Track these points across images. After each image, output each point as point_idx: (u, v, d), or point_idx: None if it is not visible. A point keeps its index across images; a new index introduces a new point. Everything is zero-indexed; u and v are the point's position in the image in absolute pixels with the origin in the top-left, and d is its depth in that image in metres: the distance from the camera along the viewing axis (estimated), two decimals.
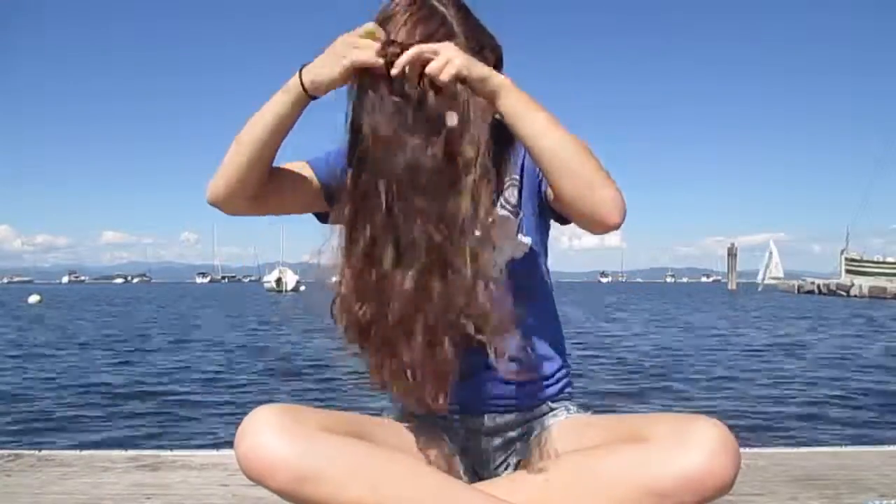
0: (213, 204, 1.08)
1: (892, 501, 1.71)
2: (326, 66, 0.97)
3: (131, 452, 2.31)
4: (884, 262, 53.33)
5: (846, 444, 2.76)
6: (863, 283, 44.67)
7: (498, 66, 1.08)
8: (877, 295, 40.65)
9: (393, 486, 0.91)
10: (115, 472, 2.07)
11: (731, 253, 72.45)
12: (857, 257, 53.88)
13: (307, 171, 1.15)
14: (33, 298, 33.33)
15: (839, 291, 45.35)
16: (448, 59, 0.93)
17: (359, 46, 0.95)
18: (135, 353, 10.44)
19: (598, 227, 0.97)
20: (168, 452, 2.31)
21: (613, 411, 1.14)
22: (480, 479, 1.11)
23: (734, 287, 66.71)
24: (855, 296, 42.40)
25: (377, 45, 0.95)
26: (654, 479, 0.86)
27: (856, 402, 6.31)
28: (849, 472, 2.00)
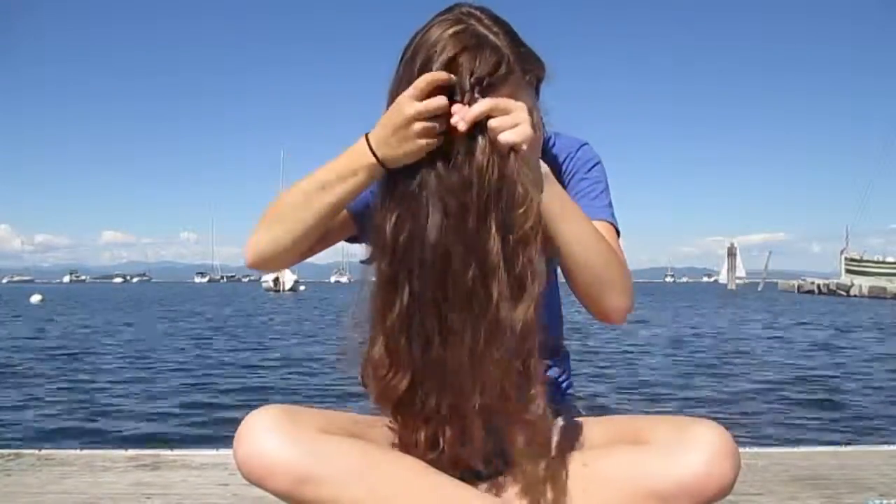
0: (257, 267, 1.04)
1: (892, 501, 1.71)
2: (400, 146, 0.89)
3: (131, 452, 2.31)
4: (884, 262, 53.32)
5: (846, 444, 2.76)
6: (863, 283, 44.66)
7: (538, 86, 1.03)
8: (877, 295, 40.64)
9: (392, 487, 0.90)
10: (115, 471, 2.07)
11: (731, 253, 72.39)
12: (857, 257, 53.88)
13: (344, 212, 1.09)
14: (35, 298, 33.28)
15: (839, 291, 45.34)
16: (516, 122, 0.86)
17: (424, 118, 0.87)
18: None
19: (598, 318, 1.00)
20: (168, 452, 2.32)
21: (615, 413, 1.14)
22: (480, 479, 1.11)
23: (734, 287, 66.63)
24: (855, 295, 42.40)
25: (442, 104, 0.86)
26: (655, 482, 0.85)
27: None
28: (849, 471, 2.00)
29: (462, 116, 0.86)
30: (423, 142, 0.88)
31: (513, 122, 0.86)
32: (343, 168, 0.95)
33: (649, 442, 0.90)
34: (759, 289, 61.94)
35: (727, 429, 0.88)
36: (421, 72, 0.89)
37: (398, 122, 0.88)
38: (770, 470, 2.02)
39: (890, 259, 53.87)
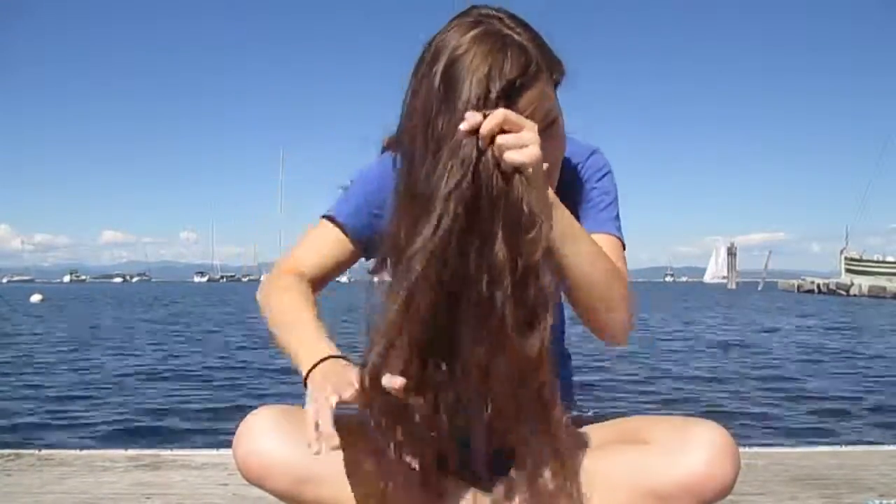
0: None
1: (893, 501, 1.71)
2: (318, 388, 0.87)
3: (131, 452, 2.31)
4: (883, 262, 53.39)
5: (846, 444, 2.76)
6: (862, 283, 44.70)
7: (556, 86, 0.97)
8: (876, 294, 40.66)
9: (392, 487, 0.90)
10: (115, 471, 2.07)
11: (731, 252, 72.46)
12: (857, 257, 53.95)
13: (343, 246, 1.10)
14: (35, 298, 33.29)
15: (839, 291, 45.36)
16: (524, 143, 0.81)
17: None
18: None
19: (600, 338, 0.99)
20: (168, 452, 2.32)
21: (615, 413, 1.14)
22: (479, 479, 1.11)
23: (734, 286, 66.68)
24: (855, 295, 42.41)
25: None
26: (655, 482, 0.85)
27: None
28: (848, 471, 2.00)
29: (471, 123, 0.80)
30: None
31: (520, 142, 0.81)
32: (292, 350, 0.96)
33: (649, 442, 0.90)
34: (759, 288, 61.97)
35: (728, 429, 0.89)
36: (444, 76, 0.84)
37: (336, 383, 0.85)
38: (770, 470, 2.02)
39: (890, 258, 53.95)
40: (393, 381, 0.80)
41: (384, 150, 1.08)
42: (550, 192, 0.88)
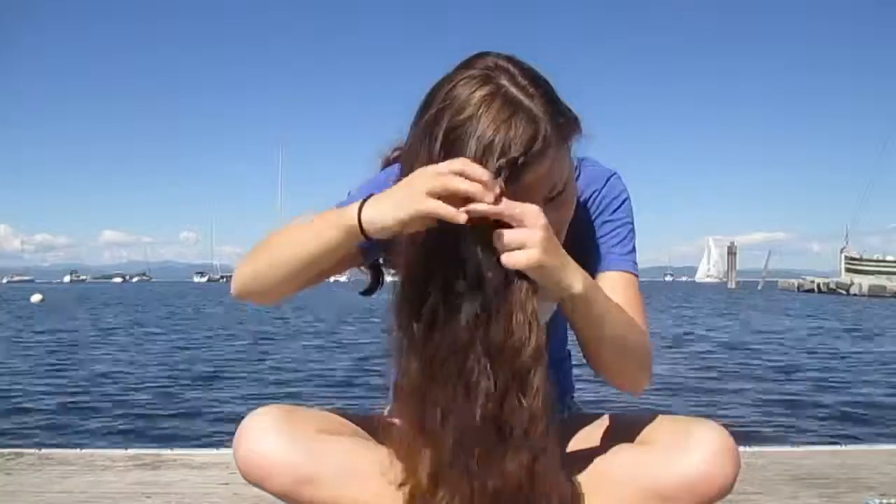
0: (241, 299, 0.99)
1: (892, 500, 1.71)
2: (390, 208, 0.80)
3: (131, 451, 2.31)
4: (883, 261, 53.43)
5: (846, 444, 2.76)
6: (862, 282, 44.74)
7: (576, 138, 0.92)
8: (876, 293, 40.68)
9: (391, 487, 0.90)
10: (115, 470, 2.07)
11: (731, 252, 72.48)
12: (857, 256, 53.97)
13: None
14: (36, 298, 33.36)
15: (839, 290, 45.40)
16: (524, 244, 0.78)
17: (439, 192, 0.76)
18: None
19: (614, 387, 0.97)
20: (168, 451, 2.32)
21: (615, 411, 1.13)
22: None
23: (734, 286, 66.70)
24: (855, 294, 42.43)
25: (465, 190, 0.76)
26: (655, 482, 0.85)
27: None
28: (848, 470, 2.01)
29: (465, 208, 0.76)
30: (416, 208, 0.78)
31: (520, 242, 0.78)
32: (324, 221, 0.88)
33: (650, 442, 0.90)
34: (759, 288, 61.97)
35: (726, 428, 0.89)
36: (445, 140, 0.80)
37: (403, 182, 0.81)
38: (770, 469, 2.02)
39: (889, 258, 53.99)
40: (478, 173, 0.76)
41: (384, 166, 1.07)
42: (574, 282, 0.83)
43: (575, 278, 0.83)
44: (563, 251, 0.84)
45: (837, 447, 2.48)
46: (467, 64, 0.85)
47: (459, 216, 0.76)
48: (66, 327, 15.82)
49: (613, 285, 0.99)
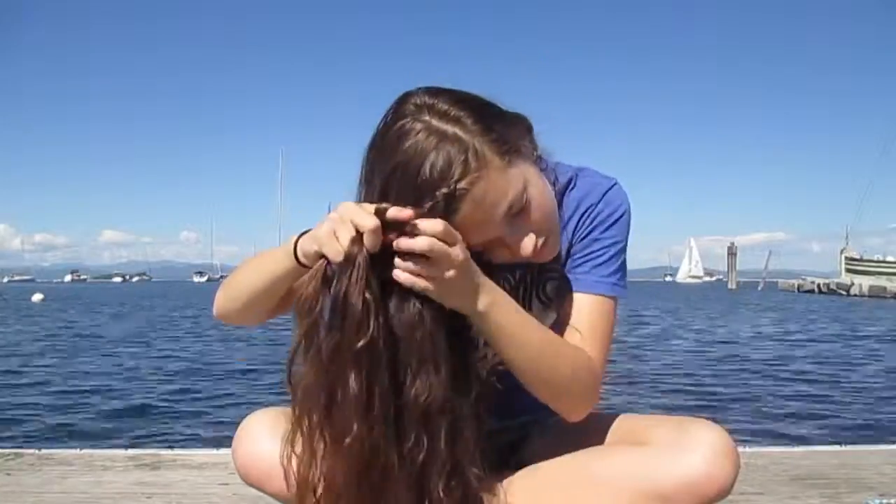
0: (223, 321, 1.03)
1: (892, 500, 1.71)
2: (309, 239, 0.84)
3: (131, 452, 2.31)
4: (883, 262, 53.41)
5: (846, 444, 2.76)
6: (863, 283, 44.73)
7: (532, 141, 0.92)
8: (877, 294, 40.67)
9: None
10: (115, 471, 2.07)
11: (731, 252, 72.49)
12: (857, 256, 53.96)
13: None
14: (36, 297, 33.42)
15: (839, 290, 45.38)
16: (432, 275, 0.78)
17: (348, 229, 0.77)
18: None
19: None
20: (168, 451, 2.32)
21: (613, 411, 1.13)
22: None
23: (734, 286, 66.70)
24: (855, 295, 42.42)
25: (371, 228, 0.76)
26: (655, 483, 0.85)
27: None
28: (848, 470, 2.01)
29: (399, 244, 0.77)
30: (318, 247, 0.80)
31: (427, 273, 0.78)
32: (277, 250, 0.92)
33: (649, 443, 0.90)
34: (760, 288, 61.96)
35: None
36: (382, 190, 0.81)
37: (328, 217, 0.82)
38: (770, 470, 2.02)
39: (890, 258, 53.97)
40: (400, 213, 0.77)
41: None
42: (484, 286, 0.83)
43: (477, 298, 0.82)
44: (474, 267, 0.82)
45: (837, 447, 2.48)
46: (392, 110, 0.86)
47: (338, 257, 0.77)
48: (76, 326, 15.82)
49: (580, 308, 0.98)
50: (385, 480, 0.80)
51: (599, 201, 1.02)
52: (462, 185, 0.80)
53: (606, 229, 1.01)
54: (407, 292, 0.79)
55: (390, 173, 0.81)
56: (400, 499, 0.80)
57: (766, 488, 1.85)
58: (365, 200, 0.84)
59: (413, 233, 0.77)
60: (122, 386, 7.12)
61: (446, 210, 0.79)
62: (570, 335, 0.97)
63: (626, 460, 0.89)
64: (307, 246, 0.85)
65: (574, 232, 1.02)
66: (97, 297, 40.35)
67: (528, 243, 0.89)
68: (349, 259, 0.77)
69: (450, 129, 0.81)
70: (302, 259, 0.86)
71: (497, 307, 0.85)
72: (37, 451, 2.29)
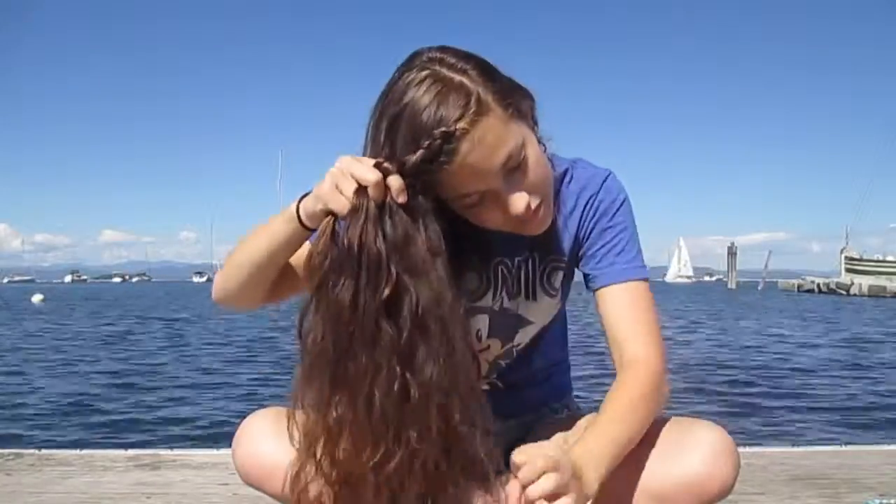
0: (221, 305, 1.01)
1: (892, 500, 1.71)
2: (312, 196, 0.84)
3: (131, 452, 2.31)
4: (883, 261, 53.45)
5: (846, 444, 2.76)
6: (863, 282, 44.75)
7: (533, 115, 0.93)
8: (876, 293, 40.69)
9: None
10: (115, 471, 2.07)
11: (731, 252, 72.53)
12: (857, 256, 53.99)
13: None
14: (36, 298, 33.43)
15: (839, 290, 45.38)
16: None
17: (350, 181, 0.79)
18: None
19: None
20: (168, 452, 2.32)
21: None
22: None
23: (734, 286, 66.73)
24: (855, 294, 42.42)
25: (373, 179, 0.78)
26: (655, 483, 0.86)
27: None
28: (848, 471, 2.01)
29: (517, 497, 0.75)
30: (323, 204, 0.81)
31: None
32: (274, 218, 0.92)
33: (649, 442, 0.89)
34: (760, 288, 61.96)
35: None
36: (388, 132, 0.82)
37: (327, 173, 0.83)
38: (770, 470, 2.02)
39: (890, 258, 54.02)
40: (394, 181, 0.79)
41: None
42: (586, 474, 0.80)
43: (590, 483, 0.80)
44: (571, 461, 0.79)
45: (837, 447, 2.48)
46: (404, 64, 0.87)
47: (344, 209, 0.79)
48: (75, 326, 15.82)
49: (616, 301, 0.97)
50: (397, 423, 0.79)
51: (599, 191, 1.02)
52: (461, 124, 0.80)
53: (613, 216, 1.01)
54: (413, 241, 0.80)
55: (394, 119, 0.82)
56: (410, 438, 0.79)
57: (767, 488, 1.85)
58: (370, 151, 0.85)
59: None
60: (122, 385, 7.12)
61: (445, 151, 0.80)
62: (617, 331, 0.96)
63: (626, 460, 0.89)
64: (310, 206, 0.85)
65: (580, 225, 1.01)
66: (102, 297, 40.30)
67: (521, 201, 0.87)
68: (356, 210, 0.78)
69: (456, 77, 0.83)
70: (306, 221, 0.86)
71: (603, 471, 0.82)
72: (37, 452, 2.29)
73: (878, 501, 1.71)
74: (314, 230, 0.85)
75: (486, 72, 0.85)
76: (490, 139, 0.83)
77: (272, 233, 0.91)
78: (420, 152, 0.79)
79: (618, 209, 1.02)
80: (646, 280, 1.00)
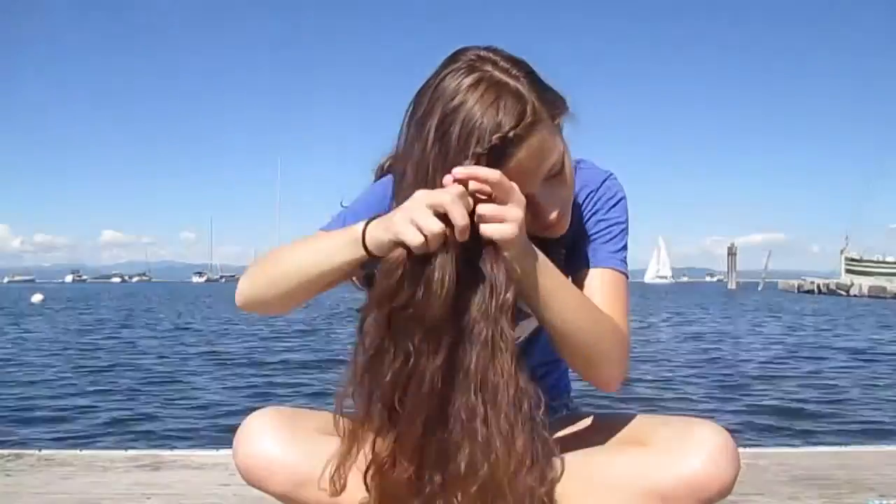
0: (246, 311, 1.01)
1: (893, 501, 1.71)
2: (382, 228, 0.84)
3: (131, 452, 2.31)
4: (883, 262, 53.47)
5: (846, 444, 2.76)
6: (863, 283, 44.76)
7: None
8: (877, 294, 40.68)
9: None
10: (115, 471, 2.06)
11: (731, 252, 72.59)
12: (857, 257, 54.01)
13: None
14: (36, 298, 33.46)
15: (839, 291, 45.39)
16: (506, 219, 0.80)
17: (429, 217, 0.79)
18: None
19: (589, 382, 0.98)
20: (168, 452, 2.32)
21: (615, 414, 1.13)
22: None
23: (734, 286, 66.74)
24: (855, 295, 42.42)
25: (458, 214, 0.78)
26: (655, 483, 0.85)
27: None
28: (849, 471, 2.00)
29: (457, 173, 0.80)
30: (395, 235, 0.81)
31: (500, 216, 0.80)
32: (333, 239, 0.92)
33: (649, 443, 0.90)
34: (760, 288, 61.97)
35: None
36: (437, 131, 0.83)
37: (404, 205, 0.82)
38: (770, 470, 2.01)
39: (890, 259, 54.04)
40: (476, 172, 0.80)
41: (378, 175, 1.08)
42: (530, 250, 0.86)
43: (532, 249, 0.86)
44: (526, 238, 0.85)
45: (838, 448, 2.48)
46: (451, 59, 0.88)
47: (420, 246, 0.79)
48: (75, 326, 15.82)
49: (595, 282, 1.00)
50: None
51: (599, 187, 1.07)
52: (518, 131, 0.82)
53: (609, 210, 1.05)
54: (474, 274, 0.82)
55: (445, 118, 0.83)
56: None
57: (767, 488, 1.85)
58: (409, 141, 0.86)
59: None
60: (122, 386, 7.12)
61: (502, 154, 0.82)
62: None
63: (627, 460, 0.89)
64: (380, 234, 0.84)
65: (578, 219, 1.03)
66: (103, 297, 40.33)
67: (553, 209, 0.92)
68: (429, 245, 0.79)
69: (511, 82, 0.84)
70: (372, 248, 0.86)
71: (545, 263, 0.88)
72: (37, 452, 2.29)
73: (878, 502, 1.71)
74: (378, 258, 0.85)
75: (537, 80, 0.88)
76: (541, 148, 0.86)
77: (330, 251, 0.90)
78: (480, 157, 0.81)
79: (614, 206, 1.06)
80: (626, 276, 1.03)
